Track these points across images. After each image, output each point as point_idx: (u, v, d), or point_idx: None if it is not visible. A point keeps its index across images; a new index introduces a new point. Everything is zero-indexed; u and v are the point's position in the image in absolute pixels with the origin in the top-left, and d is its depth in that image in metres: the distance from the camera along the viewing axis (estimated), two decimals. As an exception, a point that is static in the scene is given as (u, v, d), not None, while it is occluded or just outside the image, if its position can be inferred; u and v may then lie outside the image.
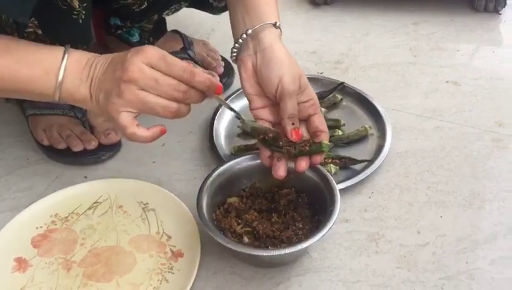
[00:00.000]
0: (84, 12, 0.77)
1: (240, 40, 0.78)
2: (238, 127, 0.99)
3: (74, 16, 0.77)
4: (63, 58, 0.67)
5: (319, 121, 0.76)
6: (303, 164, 0.74)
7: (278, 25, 0.78)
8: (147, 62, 0.64)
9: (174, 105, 0.66)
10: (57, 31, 0.79)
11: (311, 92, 0.77)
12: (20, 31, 0.75)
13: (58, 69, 0.66)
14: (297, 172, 0.75)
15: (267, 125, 0.76)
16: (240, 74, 0.79)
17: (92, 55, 0.69)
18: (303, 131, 0.76)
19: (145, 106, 0.65)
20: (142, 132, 0.67)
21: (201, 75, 0.66)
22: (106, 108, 0.66)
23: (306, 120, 0.77)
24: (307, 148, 0.73)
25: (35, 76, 0.67)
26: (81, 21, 0.78)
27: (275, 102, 0.76)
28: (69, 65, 0.67)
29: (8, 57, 0.66)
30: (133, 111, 0.66)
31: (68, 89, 0.67)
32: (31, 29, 0.78)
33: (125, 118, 0.66)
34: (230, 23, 0.83)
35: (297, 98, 0.75)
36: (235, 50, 0.80)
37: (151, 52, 0.65)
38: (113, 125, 0.69)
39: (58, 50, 0.68)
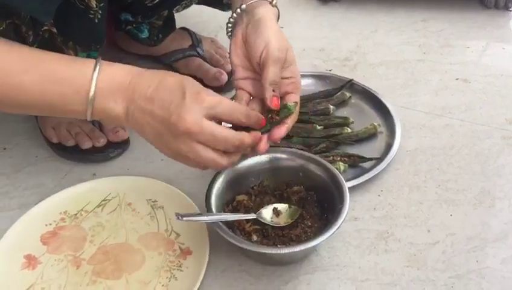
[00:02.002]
0: (100, 12, 0.77)
1: (234, 15, 0.78)
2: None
3: (91, 16, 0.77)
4: (93, 75, 0.63)
5: (294, 99, 0.74)
6: (276, 132, 0.72)
7: (274, 3, 0.78)
8: (206, 113, 0.63)
9: (226, 161, 0.66)
10: (72, 30, 0.78)
11: (296, 71, 0.75)
12: (36, 29, 0.75)
13: (88, 88, 0.63)
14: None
15: (246, 96, 0.76)
16: (230, 46, 0.78)
17: (127, 71, 0.65)
18: None
19: (198, 160, 0.65)
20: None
21: (253, 114, 0.68)
22: (159, 148, 0.66)
23: (282, 98, 0.74)
24: (277, 117, 0.72)
25: (66, 94, 0.64)
26: (97, 20, 0.78)
27: (259, 75, 0.74)
28: (100, 82, 0.63)
29: (37, 72, 0.63)
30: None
31: (100, 108, 0.64)
32: (45, 28, 0.77)
33: (186, 160, 0.66)
34: (231, 6, 0.82)
35: (281, 72, 0.73)
36: (230, 25, 0.79)
37: (210, 101, 0.63)
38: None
39: (88, 64, 0.64)
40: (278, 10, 0.79)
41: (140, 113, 0.64)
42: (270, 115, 0.72)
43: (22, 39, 0.72)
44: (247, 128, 0.68)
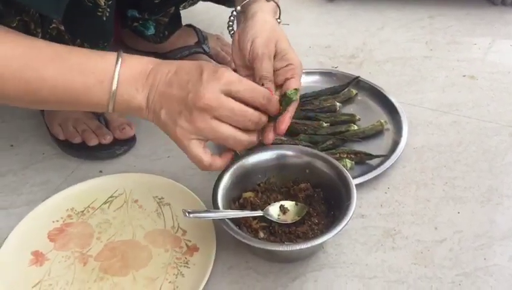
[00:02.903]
0: (108, 10, 0.78)
1: (232, 17, 0.81)
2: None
3: (99, 13, 0.77)
4: (115, 65, 0.64)
5: (294, 84, 0.74)
6: (280, 124, 0.72)
7: None
8: (224, 89, 0.63)
9: (246, 138, 0.66)
10: (80, 28, 0.79)
11: (293, 58, 0.76)
12: (45, 26, 0.75)
13: (111, 78, 0.64)
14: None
15: None
16: (231, 47, 0.80)
17: (147, 61, 0.67)
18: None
19: (217, 137, 0.65)
20: (217, 162, 0.68)
21: (274, 98, 0.68)
22: (172, 130, 0.65)
23: (283, 84, 0.75)
24: (280, 107, 0.72)
25: (89, 85, 0.64)
26: (105, 18, 0.78)
27: None
28: (123, 73, 0.64)
29: (60, 65, 0.64)
30: (202, 139, 0.65)
31: (123, 98, 0.65)
32: (54, 25, 0.78)
33: (197, 147, 0.65)
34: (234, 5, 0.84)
35: (275, 63, 0.75)
36: (230, 26, 0.82)
37: (228, 77, 0.63)
38: (182, 149, 0.67)
39: (111, 57, 0.65)
40: (277, 4, 0.80)
41: (160, 97, 0.65)
42: None
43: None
44: None
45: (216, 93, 0.62)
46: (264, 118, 0.68)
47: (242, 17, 0.79)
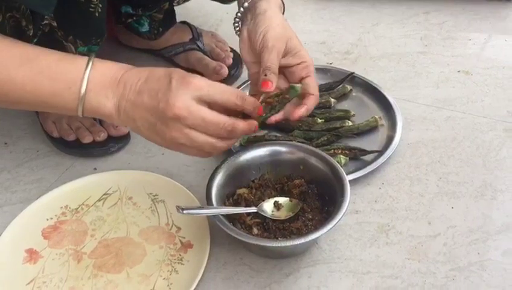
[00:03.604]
0: (100, 6, 0.77)
1: (239, 14, 0.80)
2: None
3: (91, 9, 0.77)
4: (85, 71, 0.64)
5: (310, 85, 0.75)
6: (296, 111, 0.74)
7: None
8: (195, 96, 0.62)
9: (221, 144, 0.66)
10: (72, 24, 0.79)
11: (305, 56, 0.77)
12: (36, 23, 0.74)
13: (80, 83, 0.63)
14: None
15: None
16: (239, 44, 0.80)
17: (118, 67, 0.66)
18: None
19: (194, 145, 0.65)
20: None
21: (250, 98, 0.68)
22: (156, 141, 0.66)
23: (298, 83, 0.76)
24: (287, 95, 0.73)
25: (58, 89, 0.64)
26: (97, 14, 0.78)
27: None
28: (92, 79, 0.64)
29: (30, 68, 0.63)
30: (186, 145, 0.65)
31: (91, 104, 0.65)
32: (46, 22, 0.77)
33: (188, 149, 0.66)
34: (237, 4, 0.84)
35: (288, 60, 0.76)
36: (236, 25, 0.82)
37: (197, 83, 0.63)
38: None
39: (81, 61, 0.65)
40: (282, 2, 0.80)
41: (132, 107, 0.64)
42: (280, 96, 0.74)
43: (22, 33, 0.72)
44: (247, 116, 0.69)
45: (187, 101, 0.62)
46: (242, 125, 0.67)
47: (248, 14, 0.79)
